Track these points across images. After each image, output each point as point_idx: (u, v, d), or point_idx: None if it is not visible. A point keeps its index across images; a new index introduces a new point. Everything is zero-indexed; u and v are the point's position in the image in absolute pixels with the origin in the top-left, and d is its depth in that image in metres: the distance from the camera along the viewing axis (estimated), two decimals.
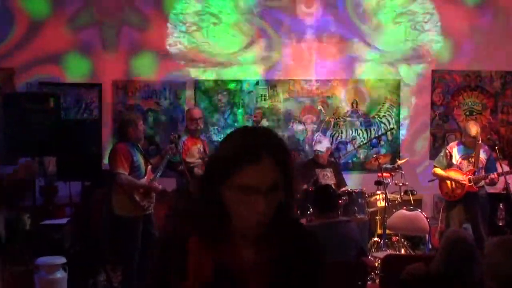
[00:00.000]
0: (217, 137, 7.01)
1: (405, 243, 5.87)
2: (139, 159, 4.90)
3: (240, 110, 7.09)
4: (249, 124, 6.97)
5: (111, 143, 6.52)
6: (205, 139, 6.13)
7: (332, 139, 7.13)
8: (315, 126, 7.17)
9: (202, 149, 5.71)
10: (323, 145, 6.13)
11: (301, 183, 5.54)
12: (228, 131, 6.70)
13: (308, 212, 5.23)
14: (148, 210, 4.93)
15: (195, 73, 7.05)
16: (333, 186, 5.18)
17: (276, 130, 6.90)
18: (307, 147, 7.12)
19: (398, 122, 7.24)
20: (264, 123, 7.08)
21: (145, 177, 4.92)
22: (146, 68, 6.98)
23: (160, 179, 5.11)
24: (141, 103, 6.97)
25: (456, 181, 5.57)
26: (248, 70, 7.11)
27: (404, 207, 5.63)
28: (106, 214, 5.30)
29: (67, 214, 6.13)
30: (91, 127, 6.19)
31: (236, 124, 7.05)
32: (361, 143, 7.11)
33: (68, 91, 6.79)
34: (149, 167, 5.02)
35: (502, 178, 5.54)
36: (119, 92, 6.95)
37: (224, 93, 7.05)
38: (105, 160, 5.34)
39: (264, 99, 7.11)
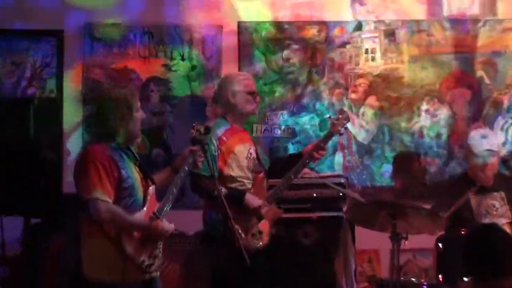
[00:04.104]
0: (280, 133, 7.09)
1: None
2: (133, 173, 4.70)
3: (325, 79, 7.13)
4: (340, 106, 7.07)
5: (82, 143, 6.77)
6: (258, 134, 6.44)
7: (506, 136, 7.20)
8: (470, 109, 7.23)
9: (254, 154, 5.67)
10: (492, 148, 5.92)
11: (444, 221, 5.47)
12: (305, 118, 7.25)
13: (464, 279, 5.02)
14: (150, 271, 4.71)
15: (240, 9, 7.21)
16: (506, 229, 5.25)
17: (396, 117, 7.24)
18: (456, 150, 7.07)
19: None
20: (369, 105, 7.11)
21: (144, 208, 4.71)
22: (146, 2, 7.20)
23: (173, 212, 4.83)
24: (137, 66, 6.99)
25: None
26: (339, 4, 7.29)
27: None
28: (69, 278, 5.50)
29: None
30: (44, 112, 6.39)
31: (318, 105, 7.12)
32: None
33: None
34: (151, 188, 4.82)
35: None
36: (97, 45, 7.05)
37: (296, 46, 7.05)
38: (69, 176, 5.45)
39: (373, 59, 7.11)
